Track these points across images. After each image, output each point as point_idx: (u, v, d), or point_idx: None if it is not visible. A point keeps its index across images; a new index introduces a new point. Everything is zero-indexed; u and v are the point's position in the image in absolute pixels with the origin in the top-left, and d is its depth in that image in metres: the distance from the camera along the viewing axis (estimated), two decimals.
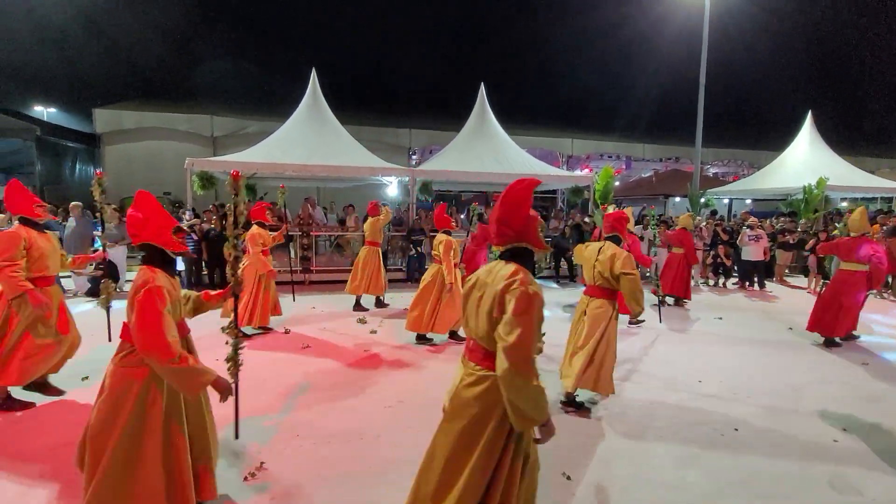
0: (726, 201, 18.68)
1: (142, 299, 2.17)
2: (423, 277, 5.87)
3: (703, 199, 14.73)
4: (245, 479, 2.89)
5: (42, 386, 3.91)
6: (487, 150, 11.71)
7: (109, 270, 8.08)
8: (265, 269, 5.83)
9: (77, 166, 19.97)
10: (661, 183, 20.57)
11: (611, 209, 11.84)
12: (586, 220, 10.90)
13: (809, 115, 15.11)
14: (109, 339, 5.20)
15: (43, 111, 24.46)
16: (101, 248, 5.82)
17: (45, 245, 3.77)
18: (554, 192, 22.52)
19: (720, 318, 7.40)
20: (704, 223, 11.39)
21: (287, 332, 6.11)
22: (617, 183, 14.81)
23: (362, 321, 6.70)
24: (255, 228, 5.86)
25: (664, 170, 24.02)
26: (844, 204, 15.60)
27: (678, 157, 25.10)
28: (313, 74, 11.59)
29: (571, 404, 3.97)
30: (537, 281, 1.93)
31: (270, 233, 6.18)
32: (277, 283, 9.30)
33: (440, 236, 5.65)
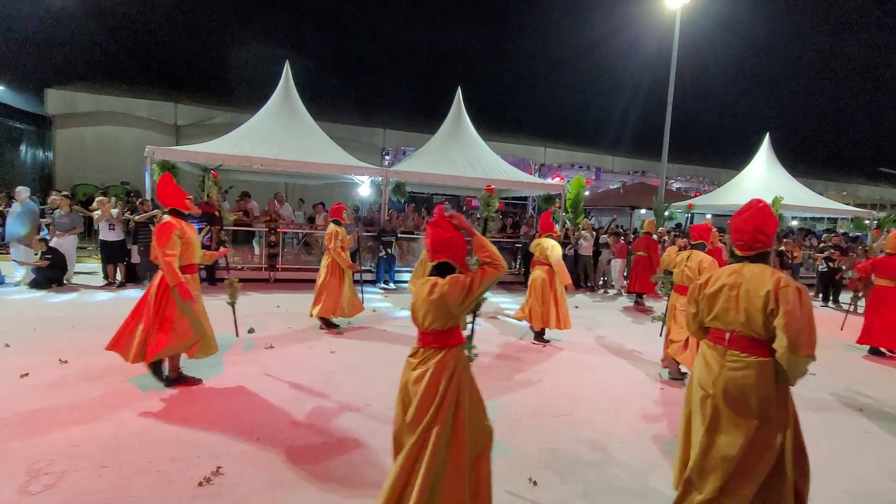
0: (688, 215, 19.46)
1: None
2: (533, 277, 6.10)
3: (666, 212, 15.30)
4: (199, 484, 2.73)
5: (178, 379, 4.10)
6: (462, 153, 11.73)
7: (56, 260, 7.61)
8: (346, 265, 6.18)
9: (25, 149, 18.63)
10: (629, 195, 21.22)
11: (581, 219, 12.17)
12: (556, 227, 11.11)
13: (767, 137, 15.96)
14: (237, 335, 5.30)
15: None
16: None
17: (192, 235, 4.03)
18: (525, 198, 22.87)
19: None
20: (667, 234, 11.82)
21: (252, 331, 5.87)
22: (587, 193, 15.15)
23: (329, 322, 6.52)
24: (332, 226, 6.18)
25: (631, 182, 24.83)
26: (795, 223, 16.55)
27: (645, 171, 26.02)
28: (286, 66, 11.29)
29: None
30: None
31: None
32: (241, 282, 9.01)
33: (547, 241, 5.98)
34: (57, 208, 8.02)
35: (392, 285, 9.84)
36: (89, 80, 19.51)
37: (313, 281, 9.07)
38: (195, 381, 4.15)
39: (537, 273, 6.09)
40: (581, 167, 24.77)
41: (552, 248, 5.90)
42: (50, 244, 7.61)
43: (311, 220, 10.85)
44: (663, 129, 15.47)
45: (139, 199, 8.92)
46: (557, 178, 21.54)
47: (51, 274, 7.47)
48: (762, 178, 15.06)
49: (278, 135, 10.22)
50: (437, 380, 2.13)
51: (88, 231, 10.31)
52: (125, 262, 8.16)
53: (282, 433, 3.39)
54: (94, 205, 8.01)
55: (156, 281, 3.91)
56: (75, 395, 3.82)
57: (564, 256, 10.68)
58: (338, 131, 15.29)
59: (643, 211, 19.75)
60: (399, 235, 10.35)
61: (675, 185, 26.09)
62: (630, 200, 20.50)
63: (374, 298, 8.46)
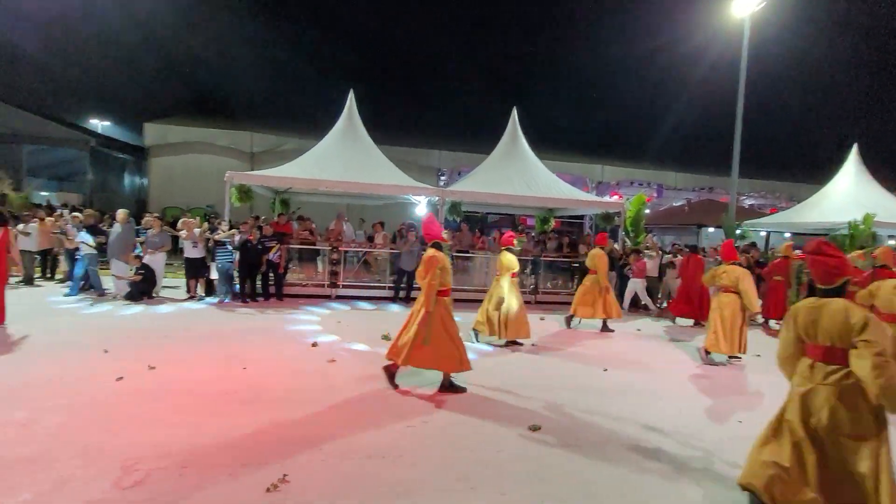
0: (763, 234, 18.02)
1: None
2: (721, 304, 6.24)
3: (738, 231, 14.27)
4: (267, 489, 2.87)
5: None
6: (517, 173, 11.73)
7: (148, 275, 8.43)
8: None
9: (125, 176, 21.11)
10: (694, 212, 20.08)
11: (642, 237, 11.67)
12: (616, 247, 10.73)
13: (855, 148, 14.55)
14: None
15: (98, 124, 26.06)
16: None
17: (447, 264, 4.72)
18: (581, 217, 22.31)
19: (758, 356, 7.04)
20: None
21: (315, 345, 6.14)
22: (647, 211, 14.54)
23: (386, 337, 6.68)
24: (505, 254, 6.62)
25: (697, 199, 23.46)
26: (893, 242, 14.79)
27: (712, 187, 24.54)
28: (350, 94, 11.97)
29: None
30: None
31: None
32: (305, 297, 9.46)
33: (735, 269, 6.23)
34: (150, 228, 8.94)
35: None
36: (180, 115, 21.81)
37: (372, 298, 9.37)
38: (461, 390, 4.67)
39: (725, 300, 6.20)
40: (641, 184, 23.84)
41: (742, 277, 6.12)
42: (143, 261, 8.47)
43: (370, 238, 11.25)
44: (732, 142, 14.59)
45: (218, 220, 9.71)
46: (616, 197, 20.91)
47: (143, 287, 8.29)
48: (850, 193, 13.66)
49: (341, 158, 10.80)
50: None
51: (175, 249, 11.37)
52: (205, 277, 8.88)
53: (343, 445, 3.49)
54: (180, 225, 8.83)
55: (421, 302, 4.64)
56: (161, 399, 4.17)
57: (623, 277, 10.29)
58: (396, 153, 15.89)
59: (711, 230, 18.56)
60: (454, 255, 10.45)
61: (747, 202, 24.35)
62: (696, 218, 19.38)
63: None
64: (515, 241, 7.02)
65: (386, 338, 6.63)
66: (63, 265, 9.69)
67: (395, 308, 9.17)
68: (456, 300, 9.88)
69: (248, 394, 4.37)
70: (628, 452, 3.66)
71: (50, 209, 12.77)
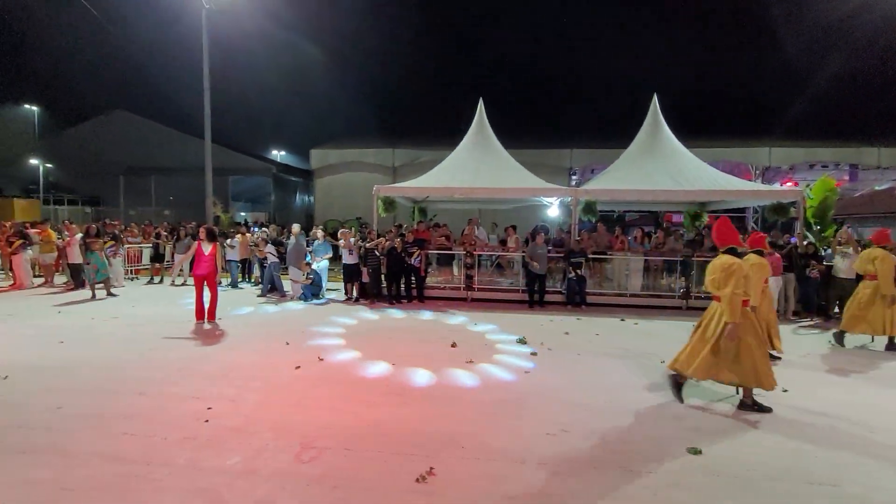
0: None
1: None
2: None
3: None
4: (416, 479, 3.13)
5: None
6: (660, 166, 10.67)
7: (317, 280, 9.90)
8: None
9: (297, 196, 25.28)
10: None
11: (831, 231, 9.57)
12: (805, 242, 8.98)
13: None
14: None
15: (277, 154, 31.59)
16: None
17: (751, 272, 4.54)
18: (742, 210, 19.27)
19: None
20: None
21: (454, 345, 6.46)
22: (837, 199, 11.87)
23: (522, 341, 6.70)
24: (753, 257, 5.51)
25: None
26: None
27: None
28: (480, 104, 12.33)
29: None
30: None
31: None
32: (444, 299, 9.99)
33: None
34: (316, 239, 10.45)
35: (583, 306, 9.50)
36: (336, 140, 25.10)
37: (505, 301, 9.46)
38: (766, 410, 4.27)
39: None
40: (825, 166, 19.48)
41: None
42: (312, 267, 9.93)
43: (503, 242, 11.40)
44: None
45: (367, 229, 10.88)
46: (789, 184, 17.53)
47: (313, 290, 9.74)
48: None
49: (473, 165, 11.18)
50: None
51: (335, 256, 13.13)
52: (359, 281, 10.02)
53: (483, 446, 3.61)
54: (339, 235, 10.13)
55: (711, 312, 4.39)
56: (329, 386, 4.84)
57: (806, 279, 8.56)
58: (525, 156, 15.80)
59: None
60: (590, 256, 9.96)
61: None
62: None
63: (565, 322, 8.31)
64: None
65: (522, 341, 6.65)
66: (256, 271, 11.92)
67: (530, 315, 9.12)
68: (592, 304, 9.50)
69: (396, 387, 4.82)
70: (821, 497, 3.05)
71: (246, 226, 15.89)
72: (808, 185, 11.30)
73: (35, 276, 11.54)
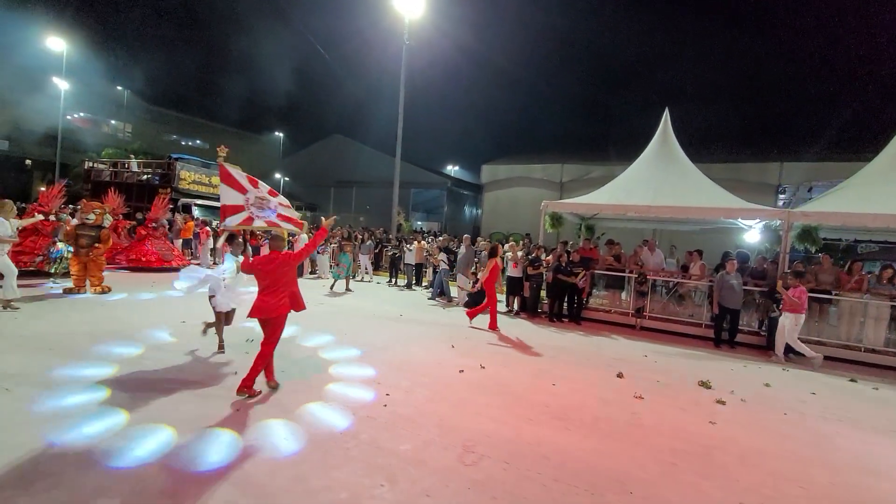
0: None
1: None
2: None
3: None
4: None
5: None
6: None
7: (481, 289, 10.31)
8: None
9: (466, 209, 27.00)
10: None
11: None
12: None
13: None
14: None
15: (451, 169, 34.37)
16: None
17: None
18: None
19: None
20: None
21: (620, 375, 5.99)
22: None
23: (706, 385, 5.80)
24: None
25: None
26: None
27: None
28: (665, 114, 11.23)
29: None
30: None
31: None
32: (608, 323, 9.33)
33: None
34: (482, 250, 10.92)
35: (791, 356, 7.73)
36: (507, 156, 25.97)
37: (682, 335, 8.42)
38: None
39: None
40: None
41: None
42: (478, 276, 10.40)
43: (684, 268, 10.10)
44: None
45: (532, 244, 10.88)
46: None
47: (477, 298, 10.16)
48: None
49: (652, 181, 10.20)
50: None
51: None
52: (520, 294, 10.09)
53: (655, 496, 3.23)
54: (506, 248, 10.39)
55: None
56: (490, 394, 4.96)
57: None
58: (719, 171, 13.79)
59: None
60: (812, 295, 8.05)
61: None
62: None
63: (767, 371, 6.90)
64: None
65: (706, 385, 5.77)
66: (428, 276, 13.06)
67: (716, 355, 7.87)
68: (826, 357, 7.60)
69: (558, 410, 4.66)
70: None
71: (422, 234, 17.57)
72: None
73: None
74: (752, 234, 12.41)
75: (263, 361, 4.53)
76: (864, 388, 6.30)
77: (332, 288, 11.45)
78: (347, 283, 11.60)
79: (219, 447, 3.43)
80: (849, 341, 7.99)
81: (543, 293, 10.04)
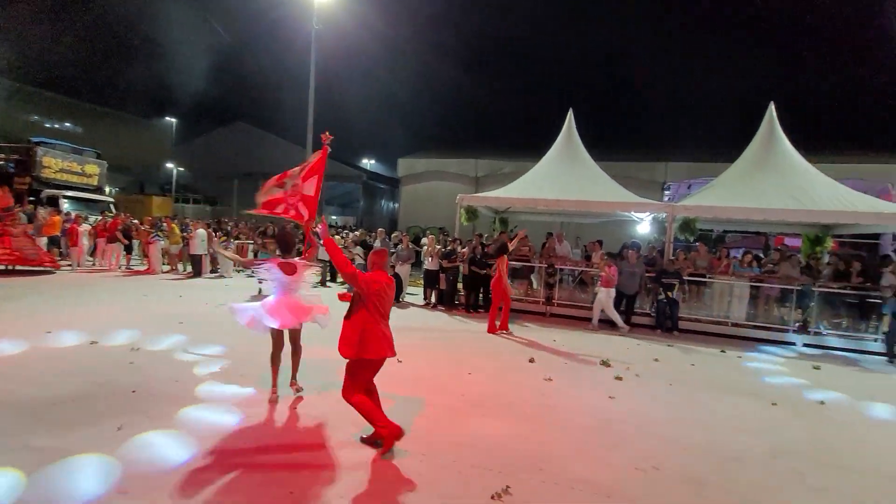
0: None
1: None
2: None
3: None
4: (492, 497, 3.02)
5: None
6: (776, 182, 9.51)
7: (398, 284, 10.16)
8: None
9: (383, 202, 26.57)
10: None
11: None
12: None
13: None
14: None
15: (367, 162, 33.55)
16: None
17: None
18: (877, 237, 16.58)
19: None
20: None
21: (532, 360, 6.27)
22: None
23: (606, 363, 6.29)
24: None
25: None
26: None
27: None
28: (569, 114, 11.96)
29: None
30: None
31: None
32: (521, 312, 9.76)
33: None
34: (399, 244, 10.79)
35: (675, 332, 8.72)
36: (423, 150, 26.04)
37: (587, 319, 9.04)
38: None
39: None
40: None
41: None
42: (395, 271, 10.26)
43: (587, 257, 10.90)
44: None
45: (449, 238, 11.01)
46: None
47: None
48: None
49: (559, 177, 10.85)
50: None
51: (416, 262, 13.48)
52: (437, 287, 10.16)
53: (565, 473, 3.40)
54: (424, 241, 10.38)
55: None
56: (410, 388, 4.88)
57: None
58: (615, 169, 15.05)
59: None
60: (685, 278, 9.14)
61: None
62: None
63: (652, 349, 7.68)
64: None
65: (605, 364, 6.26)
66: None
67: (615, 336, 8.58)
68: (687, 331, 8.68)
69: (474, 398, 4.74)
70: None
71: (336, 229, 16.93)
72: None
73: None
74: (644, 226, 13.76)
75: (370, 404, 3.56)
76: (731, 358, 7.28)
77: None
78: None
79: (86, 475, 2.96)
80: (719, 317, 9.19)
81: (460, 285, 10.22)
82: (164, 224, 13.41)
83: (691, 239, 10.17)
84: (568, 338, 7.86)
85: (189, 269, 12.64)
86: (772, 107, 10.48)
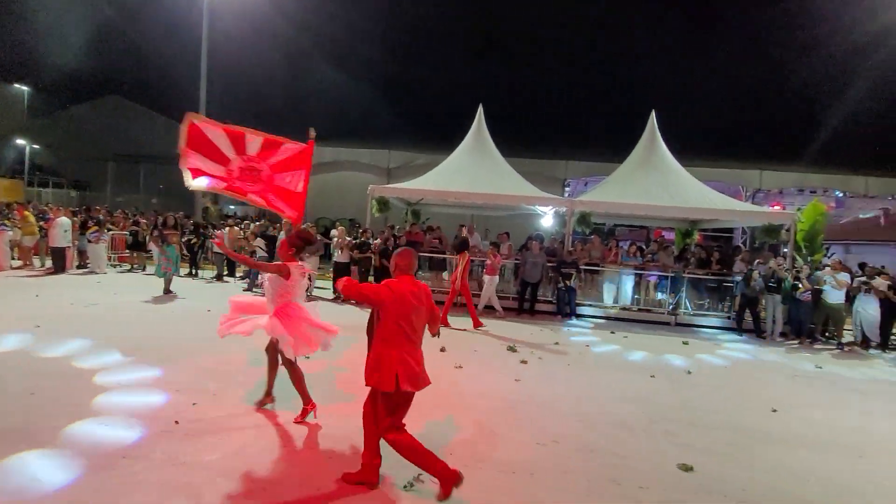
0: None
1: None
2: None
3: None
4: (404, 487, 3.02)
5: None
6: (656, 181, 10.75)
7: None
8: None
9: None
10: (894, 226, 16.11)
11: (820, 255, 9.72)
12: (784, 266, 9.06)
13: None
14: None
15: None
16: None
17: None
18: (730, 231, 19.51)
19: None
20: None
21: (443, 350, 6.36)
22: None
23: (512, 349, 6.63)
24: None
25: None
26: None
27: None
28: (479, 110, 12.31)
29: None
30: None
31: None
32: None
33: None
34: None
35: (573, 319, 9.48)
36: (333, 138, 24.89)
37: (496, 308, 9.28)
38: None
39: None
40: (814, 192, 19.89)
41: None
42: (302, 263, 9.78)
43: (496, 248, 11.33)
44: None
45: (361, 229, 10.75)
46: (776, 207, 17.84)
47: None
48: None
49: (470, 171, 11.14)
50: None
51: (325, 254, 12.94)
52: None
53: (473, 454, 3.52)
54: (334, 232, 10.00)
55: None
56: (315, 385, 4.68)
57: (796, 301, 8.62)
58: (522, 165, 15.84)
59: None
60: (582, 268, 9.97)
61: None
62: None
63: (578, 331, 8.27)
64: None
65: (512, 349, 6.58)
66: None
67: (520, 323, 9.05)
68: (582, 315, 9.49)
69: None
70: None
71: (234, 219, 15.62)
72: (798, 209, 11.47)
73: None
74: (547, 219, 14.71)
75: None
76: (619, 338, 8.10)
77: (167, 290, 9.06)
78: (169, 284, 9.29)
79: None
80: (610, 302, 10.17)
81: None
82: (15, 212, 11.31)
83: (587, 231, 11.10)
84: (488, 326, 8.13)
85: (49, 264, 10.83)
86: (653, 115, 11.78)
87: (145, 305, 7.98)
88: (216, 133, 4.19)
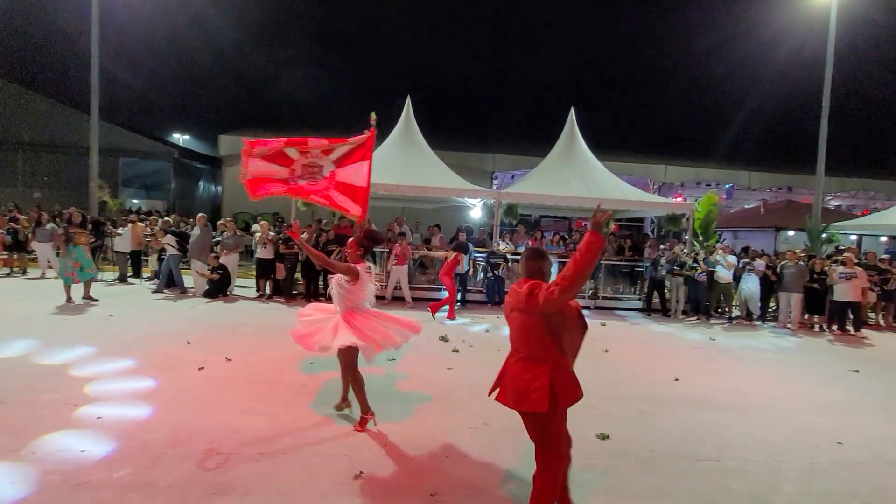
0: (854, 237, 16.28)
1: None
2: None
3: (824, 234, 13.00)
4: (354, 477, 2.99)
5: None
6: (576, 174, 11.42)
7: (225, 275, 9.06)
8: None
9: (202, 185, 23.00)
10: (771, 214, 18.55)
11: (714, 240, 10.93)
12: (686, 251, 10.09)
13: None
14: None
15: (179, 138, 28.58)
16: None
17: None
18: (641, 220, 21.25)
19: None
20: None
21: None
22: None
23: (444, 339, 6.73)
24: None
25: (774, 200, 21.70)
26: None
27: (791, 187, 22.60)
28: (408, 101, 12.23)
29: None
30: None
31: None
32: None
33: None
34: (224, 231, 9.61)
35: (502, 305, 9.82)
36: (252, 127, 23.32)
37: (431, 300, 9.47)
38: None
39: None
40: (709, 185, 22.37)
41: None
42: (220, 261, 9.12)
43: (426, 241, 11.40)
44: (818, 138, 13.35)
45: (284, 225, 10.25)
46: (679, 199, 19.78)
47: (220, 286, 8.93)
48: None
49: (399, 163, 11.05)
50: None
51: (246, 251, 12.17)
52: (272, 277, 9.40)
53: (408, 442, 3.54)
54: (256, 227, 9.42)
55: None
56: (239, 388, 4.44)
57: (695, 282, 9.65)
58: (450, 158, 16.01)
59: (791, 233, 17.05)
60: (509, 257, 10.34)
61: (833, 203, 22.18)
62: (773, 221, 17.90)
63: (486, 318, 8.52)
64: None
65: (444, 339, 6.68)
66: (151, 264, 10.67)
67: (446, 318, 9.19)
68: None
69: (315, 388, 4.57)
70: (709, 471, 3.42)
71: (138, 214, 14.16)
72: (696, 200, 12.81)
73: None
74: (476, 211, 15.04)
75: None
76: None
77: (69, 299, 7.82)
78: (88, 289, 7.98)
79: None
80: None
81: (298, 274, 9.65)
82: None
83: (514, 222, 11.52)
84: (410, 317, 8.13)
85: None
86: (572, 111, 12.45)
87: (19, 311, 6.99)
88: (277, 143, 4.23)
